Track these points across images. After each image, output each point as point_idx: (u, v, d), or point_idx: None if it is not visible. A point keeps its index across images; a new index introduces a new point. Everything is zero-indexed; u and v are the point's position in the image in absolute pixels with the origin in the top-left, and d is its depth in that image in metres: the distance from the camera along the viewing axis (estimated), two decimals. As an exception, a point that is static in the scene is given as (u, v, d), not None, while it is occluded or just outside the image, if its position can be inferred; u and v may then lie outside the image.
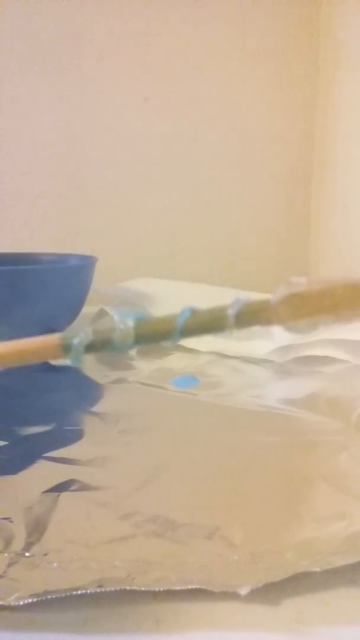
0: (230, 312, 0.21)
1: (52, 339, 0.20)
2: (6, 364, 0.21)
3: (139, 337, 0.20)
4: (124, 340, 0.20)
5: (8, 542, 0.19)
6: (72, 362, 0.20)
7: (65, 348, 0.20)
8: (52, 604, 0.16)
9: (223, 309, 0.21)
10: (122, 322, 0.20)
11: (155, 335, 0.21)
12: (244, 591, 0.17)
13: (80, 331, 0.20)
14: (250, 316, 0.21)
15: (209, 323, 0.21)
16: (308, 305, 0.20)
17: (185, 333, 0.21)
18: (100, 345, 0.20)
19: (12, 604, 0.16)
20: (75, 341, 0.20)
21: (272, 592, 0.17)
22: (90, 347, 0.20)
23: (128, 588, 0.17)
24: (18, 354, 0.21)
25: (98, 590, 0.17)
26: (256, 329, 0.21)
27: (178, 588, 0.17)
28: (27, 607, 0.16)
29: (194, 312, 0.21)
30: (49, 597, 0.16)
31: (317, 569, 0.17)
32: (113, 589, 0.17)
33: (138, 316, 0.21)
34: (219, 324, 0.21)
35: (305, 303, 0.20)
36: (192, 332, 0.21)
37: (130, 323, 0.20)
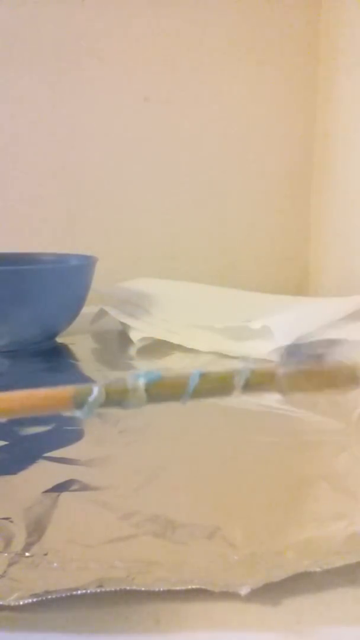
0: (237, 380, 0.22)
1: (65, 393, 0.21)
2: (17, 415, 0.22)
3: (150, 398, 0.21)
4: (136, 402, 0.21)
5: (8, 542, 0.19)
6: (85, 416, 0.21)
7: (78, 404, 0.20)
8: (52, 604, 0.16)
9: (231, 376, 0.22)
10: (134, 384, 0.21)
11: (166, 397, 0.22)
12: (244, 591, 0.17)
13: (93, 388, 0.21)
14: (257, 384, 0.22)
15: (217, 388, 0.23)
16: (310, 382, 0.21)
17: (195, 395, 0.22)
18: (113, 402, 0.21)
19: (12, 604, 0.16)
20: (89, 399, 0.20)
21: (272, 592, 0.17)
22: (102, 405, 0.21)
23: (128, 588, 0.17)
24: (30, 407, 0.21)
25: (98, 590, 0.17)
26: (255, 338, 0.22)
27: (178, 588, 0.17)
28: (27, 607, 0.16)
29: (203, 376, 0.22)
30: (49, 597, 0.16)
31: (317, 569, 0.17)
32: (113, 589, 0.17)
33: (150, 377, 0.21)
34: (226, 389, 0.22)
35: (308, 380, 0.21)
36: (201, 394, 0.22)
37: (142, 385, 0.21)
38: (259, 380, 0.22)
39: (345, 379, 0.21)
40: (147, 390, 0.21)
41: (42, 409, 0.21)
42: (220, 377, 0.22)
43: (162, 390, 0.22)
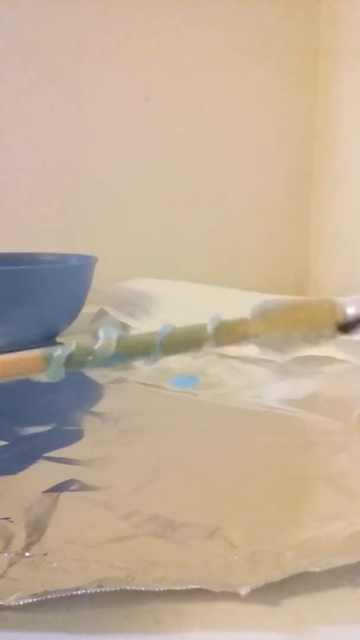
0: (209, 327, 0.21)
1: (33, 353, 0.21)
2: None
3: (120, 350, 0.21)
4: (105, 353, 0.21)
5: (8, 542, 0.19)
6: (53, 374, 0.21)
7: (47, 360, 0.20)
8: (52, 604, 0.16)
9: (202, 326, 0.21)
10: (105, 336, 0.21)
11: (137, 350, 0.22)
12: (244, 591, 0.17)
13: (60, 347, 0.21)
14: (228, 331, 0.22)
15: (188, 339, 0.22)
16: (281, 320, 0.21)
17: (166, 349, 0.21)
18: (82, 358, 0.21)
19: (12, 604, 0.16)
20: (57, 353, 0.20)
21: (272, 592, 0.17)
22: (72, 360, 0.20)
23: (128, 588, 0.17)
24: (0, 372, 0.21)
25: (98, 590, 0.17)
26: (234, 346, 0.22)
27: (178, 588, 0.17)
28: (27, 607, 0.16)
29: (173, 329, 0.22)
30: (49, 597, 0.16)
31: (317, 569, 0.17)
32: (113, 589, 0.17)
33: (121, 332, 0.21)
34: (198, 339, 0.22)
35: (278, 317, 0.21)
36: (172, 348, 0.22)
37: (113, 337, 0.21)
38: (230, 325, 0.21)
39: (321, 316, 0.21)
40: (117, 342, 0.21)
41: (12, 371, 0.21)
42: (190, 328, 0.22)
43: (132, 342, 0.22)
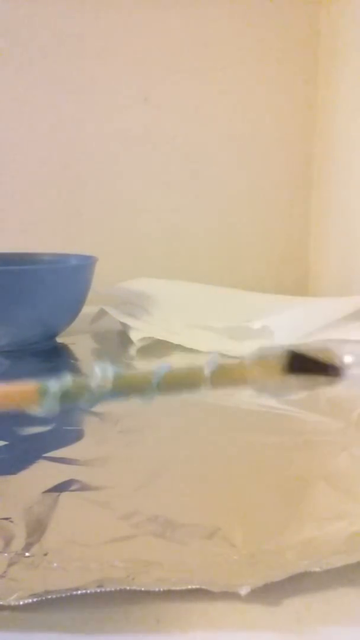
0: (206, 370, 0.21)
1: (29, 385, 0.21)
2: None
3: (116, 388, 0.21)
4: (101, 391, 0.21)
5: (8, 542, 0.19)
6: (48, 409, 0.20)
7: (42, 393, 0.20)
8: (52, 604, 0.16)
9: (199, 368, 0.22)
10: (102, 374, 0.21)
11: (133, 389, 0.22)
12: (244, 591, 0.17)
13: (54, 382, 0.21)
14: (225, 374, 0.22)
15: (185, 380, 0.22)
16: (279, 366, 0.21)
17: (162, 389, 0.21)
18: (77, 393, 0.21)
19: (12, 604, 0.16)
20: (53, 388, 0.20)
21: (272, 592, 0.17)
22: (68, 395, 0.20)
23: (128, 588, 0.17)
24: None
25: (98, 590, 0.17)
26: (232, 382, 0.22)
27: (178, 588, 0.17)
28: (27, 607, 0.16)
29: (171, 369, 0.22)
30: (49, 597, 0.16)
31: (317, 569, 0.17)
32: (113, 589, 0.17)
33: (117, 370, 0.21)
34: (194, 381, 0.22)
35: (276, 364, 0.21)
36: (169, 388, 0.22)
37: (109, 375, 0.21)
38: (227, 369, 0.21)
39: (318, 367, 0.21)
40: (114, 381, 0.21)
41: (6, 403, 0.21)
42: (188, 370, 0.22)
43: (129, 382, 0.22)
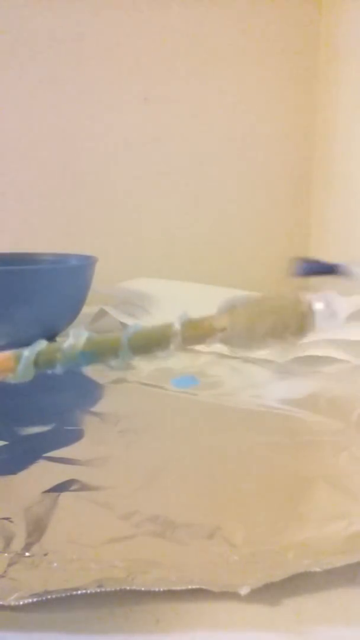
0: (176, 324, 0.22)
1: (5, 354, 0.21)
2: None
3: (87, 348, 0.21)
4: (73, 351, 0.21)
5: (8, 542, 0.19)
6: (23, 374, 0.21)
7: (17, 359, 0.21)
8: (52, 604, 0.16)
9: (169, 324, 0.22)
10: (74, 335, 0.21)
11: (105, 348, 0.22)
12: (244, 591, 0.17)
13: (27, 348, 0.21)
14: (194, 327, 0.22)
15: (155, 337, 0.22)
16: (246, 312, 0.21)
17: (134, 348, 0.21)
18: (51, 356, 0.21)
19: (12, 604, 0.16)
20: (26, 352, 0.21)
21: (272, 592, 0.17)
22: (42, 358, 0.21)
23: (128, 588, 0.17)
24: None
25: (98, 590, 0.17)
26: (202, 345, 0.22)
27: (178, 588, 0.17)
28: (27, 607, 0.16)
29: (141, 327, 0.22)
30: (49, 597, 0.16)
31: (317, 569, 0.17)
32: (113, 589, 0.17)
33: (91, 333, 0.22)
34: (165, 337, 0.22)
35: (243, 310, 0.21)
36: (140, 346, 0.22)
37: (82, 336, 0.21)
38: (196, 321, 0.22)
39: (286, 307, 0.21)
40: (86, 342, 0.21)
41: None
42: (157, 327, 0.22)
43: (100, 343, 0.22)
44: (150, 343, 0.22)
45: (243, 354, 0.21)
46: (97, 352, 0.22)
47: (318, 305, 0.22)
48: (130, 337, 0.21)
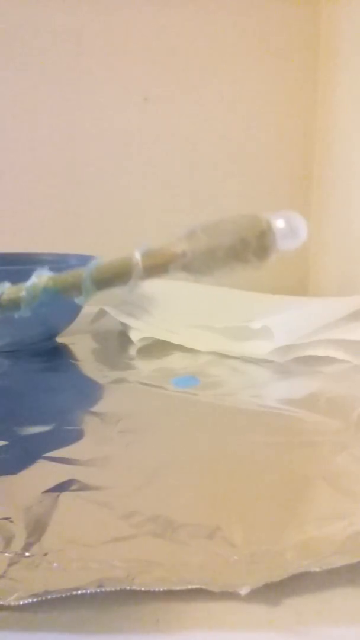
0: (136, 254, 0.22)
1: None
2: None
3: (50, 285, 0.21)
4: (36, 289, 0.21)
5: (8, 542, 0.19)
6: None
7: None
8: (52, 604, 0.16)
9: (129, 257, 0.22)
10: (37, 274, 0.21)
11: (67, 284, 0.22)
12: (244, 591, 0.17)
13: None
14: (155, 255, 0.22)
15: (117, 269, 0.22)
16: (206, 234, 0.21)
17: (96, 282, 0.21)
18: (14, 296, 0.21)
19: (12, 604, 0.16)
20: None
21: (272, 592, 0.17)
22: (6, 299, 0.21)
23: (128, 588, 0.17)
24: None
25: (98, 590, 0.17)
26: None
27: (178, 588, 0.17)
28: (27, 607, 0.16)
29: (101, 261, 0.22)
30: (49, 597, 0.16)
31: (317, 569, 0.17)
32: (113, 589, 0.17)
33: (54, 273, 0.22)
34: (126, 268, 0.22)
35: (203, 233, 0.21)
36: (102, 280, 0.22)
37: (44, 276, 0.21)
38: (157, 250, 0.22)
39: (245, 226, 0.21)
40: (47, 283, 0.21)
41: None
42: (118, 260, 0.22)
43: (62, 282, 0.22)
44: (112, 276, 0.22)
45: (204, 278, 0.21)
46: (59, 289, 0.22)
47: (278, 223, 0.22)
48: (91, 271, 0.22)
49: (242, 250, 0.21)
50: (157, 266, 0.21)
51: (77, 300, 0.22)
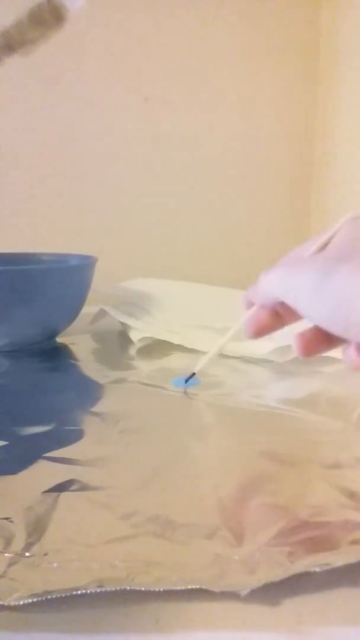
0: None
1: None
2: None
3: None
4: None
5: (8, 542, 0.19)
6: None
7: None
8: (52, 604, 0.16)
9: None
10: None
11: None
12: (244, 591, 0.17)
13: None
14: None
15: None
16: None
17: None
18: None
19: (12, 604, 0.16)
20: None
21: (272, 592, 0.17)
22: None
23: (128, 588, 0.17)
24: None
25: (98, 590, 0.17)
26: None
27: (178, 588, 0.17)
28: (27, 607, 0.16)
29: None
30: (49, 597, 0.16)
31: (317, 569, 0.17)
32: (113, 589, 0.17)
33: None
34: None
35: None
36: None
37: None
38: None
39: (47, 11, 0.25)
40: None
41: None
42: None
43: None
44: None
45: (27, 48, 0.24)
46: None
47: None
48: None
49: (40, 13, 0.25)
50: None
51: None
